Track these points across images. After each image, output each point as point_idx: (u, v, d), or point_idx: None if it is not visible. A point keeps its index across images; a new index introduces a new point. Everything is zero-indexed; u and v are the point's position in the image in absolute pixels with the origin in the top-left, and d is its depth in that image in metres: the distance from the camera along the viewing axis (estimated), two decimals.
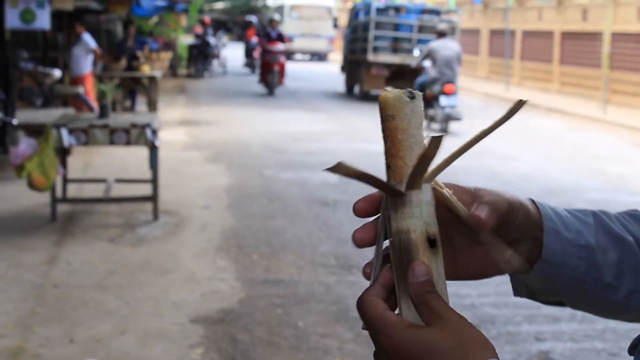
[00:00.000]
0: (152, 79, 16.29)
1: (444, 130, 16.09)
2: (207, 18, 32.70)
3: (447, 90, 16.29)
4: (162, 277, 6.88)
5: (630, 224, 1.11)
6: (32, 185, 8.02)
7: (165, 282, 6.75)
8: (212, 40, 30.26)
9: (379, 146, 0.98)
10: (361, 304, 0.94)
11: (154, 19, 27.85)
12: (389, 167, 0.96)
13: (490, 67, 31.78)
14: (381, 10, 22.30)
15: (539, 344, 5.65)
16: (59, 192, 8.76)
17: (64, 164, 8.74)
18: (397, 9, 22.58)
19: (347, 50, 24.69)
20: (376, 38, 21.89)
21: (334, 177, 11.27)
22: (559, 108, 21.32)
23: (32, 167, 7.93)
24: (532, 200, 1.05)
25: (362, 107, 20.58)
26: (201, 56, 29.72)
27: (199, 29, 30.02)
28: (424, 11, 22.19)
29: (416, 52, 19.63)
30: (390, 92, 0.94)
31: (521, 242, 1.02)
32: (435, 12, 22.36)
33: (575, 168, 12.71)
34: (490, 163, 12.75)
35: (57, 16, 15.71)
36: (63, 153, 8.68)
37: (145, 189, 9.09)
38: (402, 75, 21.42)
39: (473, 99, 24.74)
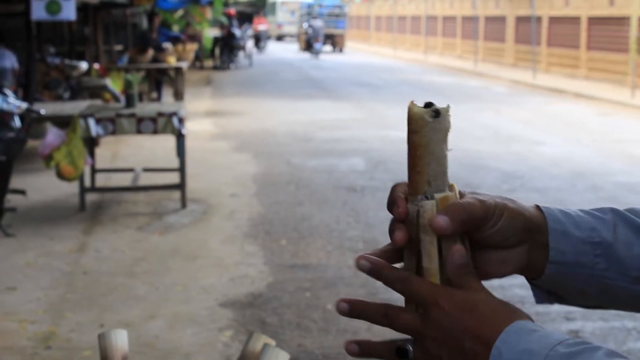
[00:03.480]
0: (178, 70, 16.34)
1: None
2: (232, 10, 32.72)
3: (317, 41, 37.61)
4: (191, 263, 6.91)
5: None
6: (60, 175, 8.07)
7: (194, 268, 6.78)
8: (237, 32, 30.29)
9: (404, 133, 1.00)
10: (408, 281, 0.97)
11: (179, 12, 27.89)
12: (408, 176, 0.99)
13: (517, 54, 31.61)
14: (311, 6, 45.80)
15: (568, 323, 5.63)
16: (87, 182, 8.81)
17: (91, 154, 8.79)
18: (320, 5, 45.17)
19: (299, 26, 46.81)
20: (307, 19, 42.51)
21: (361, 164, 11.27)
22: (586, 93, 21.18)
23: (61, 157, 7.98)
24: (538, 207, 1.06)
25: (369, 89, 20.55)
26: (227, 48, 29.76)
27: (262, 21, 35.01)
28: (334, 6, 45.80)
29: (305, 25, 41.10)
30: (415, 107, 0.97)
31: (511, 247, 1.03)
32: (338, 6, 46.03)
33: (603, 152, 12.63)
34: (517, 148, 12.70)
35: (83, 9, 15.77)
36: (91, 143, 8.74)
37: (173, 178, 9.13)
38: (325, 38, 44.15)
39: (499, 86, 24.63)
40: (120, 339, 2.00)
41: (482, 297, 0.95)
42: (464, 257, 0.96)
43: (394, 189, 1.02)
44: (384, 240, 1.02)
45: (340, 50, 44.65)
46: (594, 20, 25.94)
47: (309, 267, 6.79)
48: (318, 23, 35.37)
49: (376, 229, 7.86)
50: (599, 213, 1.08)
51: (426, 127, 0.96)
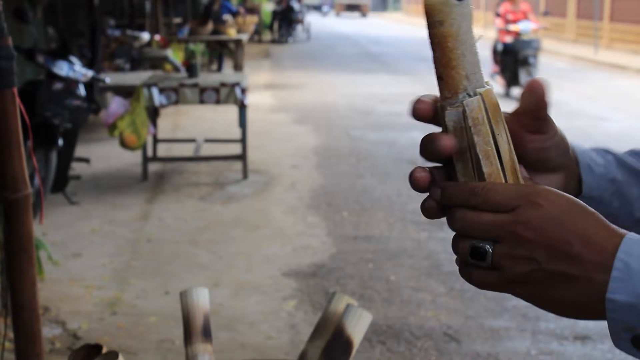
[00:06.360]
0: (238, 42, 16.35)
1: None
2: None
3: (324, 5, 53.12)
4: (253, 233, 6.93)
5: (638, 159, 1.09)
6: (123, 144, 8.12)
7: (257, 238, 6.79)
8: (296, 5, 30.27)
9: None
10: (486, 187, 0.87)
11: None
12: (440, 78, 0.90)
13: (578, 30, 31.15)
14: None
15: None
16: (149, 152, 8.87)
17: (154, 124, 8.83)
18: None
19: None
20: None
21: (421, 138, 11.19)
22: None
23: (124, 126, 8.03)
24: None
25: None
26: (285, 22, 29.77)
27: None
28: None
29: None
30: None
31: (551, 172, 0.99)
32: None
33: None
34: (580, 124, 12.52)
35: None
36: (154, 113, 8.78)
37: (234, 149, 9.14)
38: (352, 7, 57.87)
39: (560, 61, 24.31)
40: (202, 297, 1.99)
41: (580, 201, 0.86)
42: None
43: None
44: None
45: (364, 16, 58.52)
46: None
47: (372, 239, 6.77)
48: None
49: None
50: (603, 152, 1.07)
51: (454, 12, 0.86)
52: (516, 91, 15.04)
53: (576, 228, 0.83)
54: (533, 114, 0.94)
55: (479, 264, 0.87)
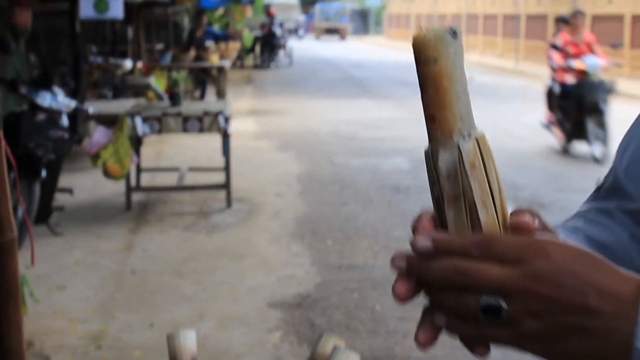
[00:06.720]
0: (220, 69, 16.37)
1: None
2: (273, 9, 32.78)
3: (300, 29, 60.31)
4: (238, 263, 6.92)
5: (598, 228, 1.11)
6: (107, 174, 8.10)
7: (241, 268, 6.78)
8: (278, 30, 30.36)
9: None
10: (490, 237, 0.83)
11: (220, 11, 28.01)
12: (432, 119, 0.84)
13: None
14: (321, 8, 63.45)
15: None
16: (133, 181, 8.85)
17: (137, 153, 8.81)
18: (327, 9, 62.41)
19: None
20: (320, 20, 63.87)
21: (405, 163, 11.22)
22: (630, 92, 20.95)
23: (107, 155, 8.01)
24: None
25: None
26: (267, 47, 29.84)
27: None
28: (338, 7, 62.76)
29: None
30: (429, 31, 0.82)
31: None
32: (341, 8, 63.19)
33: None
34: None
35: (127, 9, 15.82)
36: (137, 142, 8.76)
37: (218, 178, 9.14)
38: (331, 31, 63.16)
39: (541, 85, 24.41)
40: (189, 340, 1.99)
41: (587, 249, 0.83)
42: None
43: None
44: None
45: (344, 39, 60.90)
46: (638, 19, 25.65)
47: (356, 268, 6.77)
48: (301, 18, 52.69)
49: None
50: (575, 231, 1.08)
51: (449, 51, 0.82)
52: (580, 147, 11.93)
53: (589, 278, 0.79)
54: None
55: (492, 321, 0.82)
